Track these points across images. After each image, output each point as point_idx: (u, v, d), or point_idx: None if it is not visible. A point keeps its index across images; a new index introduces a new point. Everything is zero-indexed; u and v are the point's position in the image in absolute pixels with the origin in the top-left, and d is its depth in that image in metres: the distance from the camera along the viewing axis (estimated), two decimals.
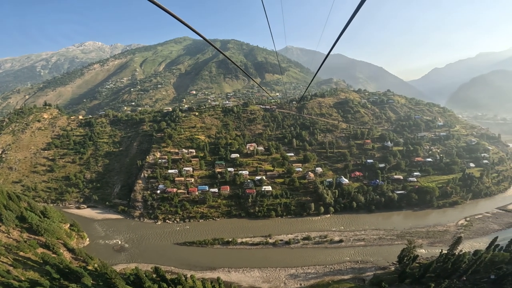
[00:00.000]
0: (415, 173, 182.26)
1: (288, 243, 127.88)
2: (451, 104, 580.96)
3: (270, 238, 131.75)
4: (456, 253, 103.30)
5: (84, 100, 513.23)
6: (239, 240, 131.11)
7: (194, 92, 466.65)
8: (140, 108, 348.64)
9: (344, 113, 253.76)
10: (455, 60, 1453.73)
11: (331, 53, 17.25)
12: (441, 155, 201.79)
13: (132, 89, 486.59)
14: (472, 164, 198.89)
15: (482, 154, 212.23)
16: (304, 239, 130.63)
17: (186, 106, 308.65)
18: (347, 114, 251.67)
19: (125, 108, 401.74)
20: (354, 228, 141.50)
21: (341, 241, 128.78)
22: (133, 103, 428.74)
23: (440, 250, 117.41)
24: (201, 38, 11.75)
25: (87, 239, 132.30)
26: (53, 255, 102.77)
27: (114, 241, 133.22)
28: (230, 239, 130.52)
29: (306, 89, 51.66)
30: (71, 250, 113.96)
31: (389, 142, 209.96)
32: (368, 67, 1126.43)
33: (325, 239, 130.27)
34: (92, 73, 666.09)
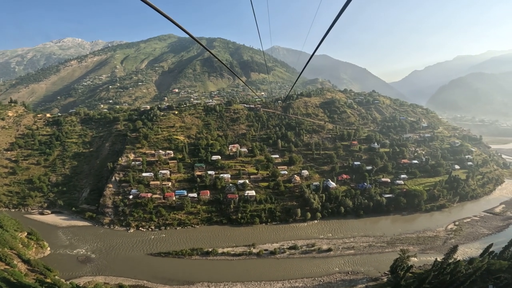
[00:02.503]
0: (402, 176, 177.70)
1: (273, 253, 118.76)
2: (431, 105, 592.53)
3: (254, 248, 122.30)
4: (451, 262, 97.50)
5: (58, 97, 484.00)
6: (220, 250, 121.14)
7: (176, 90, 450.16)
8: (117, 106, 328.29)
9: (330, 113, 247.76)
10: (434, 63, 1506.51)
11: (316, 53, 18.18)
12: (427, 157, 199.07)
13: (110, 87, 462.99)
14: (457, 166, 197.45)
15: (466, 156, 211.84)
16: (291, 248, 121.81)
17: (166, 104, 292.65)
18: (333, 115, 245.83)
19: (102, 106, 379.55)
20: (342, 235, 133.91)
21: (329, 249, 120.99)
22: (110, 101, 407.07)
23: (431, 258, 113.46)
24: (186, 36, 12.67)
25: (48, 249, 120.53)
26: (6, 267, 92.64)
27: (79, 250, 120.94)
28: (210, 249, 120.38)
29: (292, 88, 45.95)
30: (26, 262, 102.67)
31: (375, 144, 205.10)
32: (352, 68, 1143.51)
33: (312, 248, 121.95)
34: (69, 69, 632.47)
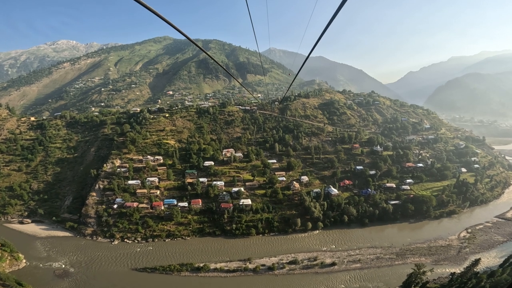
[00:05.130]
0: (407, 180, 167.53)
1: (271, 268, 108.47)
2: (428, 106, 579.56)
3: (249, 263, 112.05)
4: (471, 275, 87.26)
5: (50, 100, 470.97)
6: (212, 266, 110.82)
7: (171, 92, 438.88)
8: (105, 109, 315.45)
9: (329, 114, 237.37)
10: (429, 64, 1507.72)
11: (313, 55, 17.98)
12: (432, 160, 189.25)
13: (102, 89, 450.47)
14: (463, 169, 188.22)
15: (472, 158, 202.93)
16: (291, 262, 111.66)
17: (157, 106, 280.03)
18: (333, 116, 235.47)
19: (93, 109, 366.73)
20: (347, 247, 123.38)
21: (333, 264, 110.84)
22: (102, 104, 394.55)
23: (446, 269, 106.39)
24: (182, 38, 11.64)
25: (24, 261, 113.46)
26: None
27: (57, 263, 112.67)
28: (201, 265, 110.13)
29: (288, 89, 39.01)
30: None
31: (378, 147, 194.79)
32: (349, 70, 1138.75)
33: (315, 262, 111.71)
34: (62, 72, 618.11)
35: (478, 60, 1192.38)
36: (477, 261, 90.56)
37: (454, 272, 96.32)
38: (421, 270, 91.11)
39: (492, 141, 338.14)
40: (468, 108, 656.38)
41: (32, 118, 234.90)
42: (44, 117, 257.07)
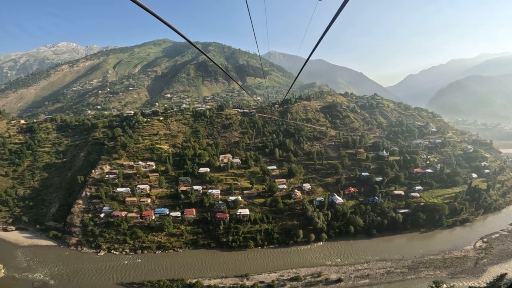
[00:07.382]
0: (416, 187, 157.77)
1: (271, 286, 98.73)
2: (430, 108, 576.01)
3: (247, 279, 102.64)
4: None
5: (46, 103, 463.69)
6: (205, 283, 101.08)
7: (169, 95, 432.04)
8: (98, 112, 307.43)
9: (332, 118, 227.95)
10: (428, 66, 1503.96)
11: (313, 58, 18.20)
12: (441, 165, 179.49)
13: (100, 92, 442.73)
14: (474, 175, 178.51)
15: (482, 163, 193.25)
16: (292, 279, 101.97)
17: (151, 109, 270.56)
18: (336, 120, 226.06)
19: (89, 112, 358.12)
20: (354, 260, 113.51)
21: (339, 280, 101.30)
22: (99, 107, 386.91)
23: (464, 283, 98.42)
24: (182, 41, 9.77)
25: (2, 271, 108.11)
26: None
27: (37, 275, 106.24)
28: (194, 281, 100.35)
29: (288, 91, 56.75)
30: None
31: (384, 151, 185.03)
32: (349, 73, 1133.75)
33: (319, 279, 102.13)
34: (60, 74, 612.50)
35: (478, 63, 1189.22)
36: (502, 276, 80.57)
37: None
38: None
39: (497, 144, 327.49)
40: (471, 110, 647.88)
41: (22, 121, 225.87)
42: (34, 120, 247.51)
